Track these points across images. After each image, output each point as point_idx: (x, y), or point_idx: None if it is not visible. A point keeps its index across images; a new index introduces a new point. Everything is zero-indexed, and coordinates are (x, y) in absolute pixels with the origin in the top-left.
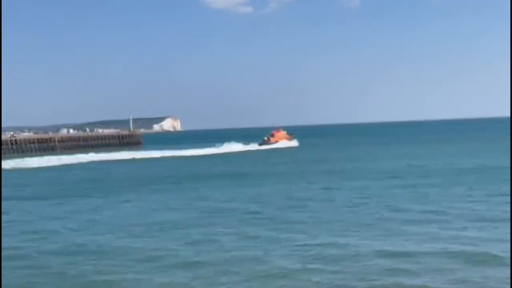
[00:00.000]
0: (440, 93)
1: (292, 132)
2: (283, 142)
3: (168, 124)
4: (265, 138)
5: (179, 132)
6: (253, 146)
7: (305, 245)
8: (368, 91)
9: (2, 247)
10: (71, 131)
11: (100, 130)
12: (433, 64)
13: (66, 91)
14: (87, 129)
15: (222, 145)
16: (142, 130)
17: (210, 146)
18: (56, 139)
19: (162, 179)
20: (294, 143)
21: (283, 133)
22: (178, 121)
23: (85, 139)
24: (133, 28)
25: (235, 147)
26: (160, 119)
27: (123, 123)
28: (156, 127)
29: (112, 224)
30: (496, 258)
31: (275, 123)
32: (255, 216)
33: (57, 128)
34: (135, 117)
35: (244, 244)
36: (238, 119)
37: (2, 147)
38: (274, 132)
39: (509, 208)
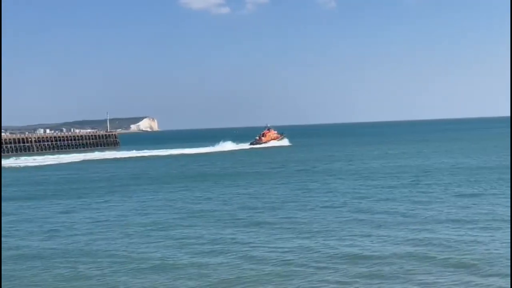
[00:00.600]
0: (413, 93)
1: (281, 131)
2: (274, 142)
3: (145, 124)
4: (257, 138)
5: (156, 132)
6: (245, 146)
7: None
8: (349, 91)
9: None
10: (48, 131)
11: (77, 130)
12: (411, 64)
13: (42, 91)
14: (64, 129)
15: (217, 144)
16: (119, 130)
17: (198, 146)
18: (33, 139)
19: (141, 179)
20: (285, 142)
21: (274, 132)
22: (156, 121)
23: (61, 139)
24: (110, 28)
25: (228, 146)
26: (137, 119)
27: (100, 123)
28: (133, 127)
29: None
30: (460, 262)
31: (267, 122)
32: (219, 218)
33: (33, 128)
34: (112, 117)
35: (215, 247)
36: (216, 120)
37: None
38: (265, 132)
39: (469, 210)
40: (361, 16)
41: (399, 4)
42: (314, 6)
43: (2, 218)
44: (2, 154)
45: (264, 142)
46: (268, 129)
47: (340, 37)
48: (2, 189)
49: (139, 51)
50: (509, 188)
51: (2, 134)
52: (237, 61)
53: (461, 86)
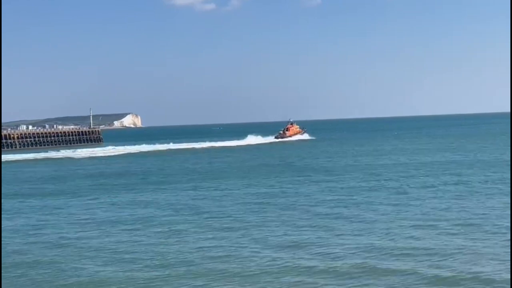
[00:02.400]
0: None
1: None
2: (297, 136)
3: (128, 121)
4: (281, 132)
5: (140, 128)
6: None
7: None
8: (329, 87)
9: None
10: (30, 127)
11: (60, 127)
12: (394, 61)
13: (24, 87)
14: (47, 126)
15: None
16: (102, 127)
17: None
18: (15, 136)
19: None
20: (306, 136)
21: (296, 127)
22: (139, 117)
23: (44, 135)
24: (93, 25)
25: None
26: (121, 116)
27: (83, 119)
28: (117, 124)
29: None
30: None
31: (288, 117)
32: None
33: (15, 125)
34: (95, 114)
35: (209, 244)
36: (199, 116)
37: None
38: (288, 126)
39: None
40: (345, 13)
41: (384, 2)
42: (299, 2)
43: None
44: None
45: (288, 136)
46: (291, 124)
47: (324, 33)
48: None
49: (123, 47)
50: None
51: None
52: (223, 57)
53: (451, 84)
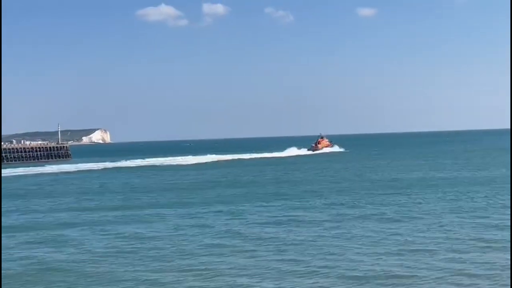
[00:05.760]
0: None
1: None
2: (327, 148)
3: (97, 136)
4: (313, 145)
5: (109, 144)
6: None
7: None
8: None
9: None
10: None
11: (28, 142)
12: (378, 76)
13: None
14: (14, 141)
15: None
16: (70, 142)
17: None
18: None
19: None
20: (336, 148)
21: (326, 140)
22: (108, 133)
23: (11, 151)
24: (64, 38)
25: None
26: (89, 131)
27: (51, 134)
28: (85, 139)
29: None
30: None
31: (321, 131)
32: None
33: None
34: (64, 129)
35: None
36: (168, 132)
37: None
38: (319, 140)
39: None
40: (319, 31)
41: (355, 17)
42: (271, 20)
43: None
44: None
45: (320, 149)
46: (322, 138)
47: (298, 51)
48: None
49: (93, 62)
50: None
51: None
52: (194, 74)
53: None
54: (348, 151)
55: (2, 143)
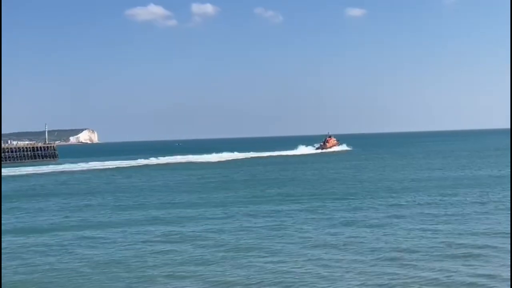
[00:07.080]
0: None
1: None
2: (335, 147)
3: (85, 136)
4: (321, 144)
5: (96, 144)
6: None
7: None
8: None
9: None
10: None
11: (14, 142)
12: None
13: None
14: None
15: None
16: (57, 142)
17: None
18: None
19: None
20: (344, 147)
21: (334, 139)
22: (96, 133)
23: None
24: (52, 37)
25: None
26: (77, 131)
27: (38, 134)
28: (73, 139)
29: None
30: None
31: (327, 130)
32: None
33: None
34: (51, 129)
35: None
36: (158, 132)
37: None
38: (328, 139)
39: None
40: (308, 30)
41: (343, 19)
42: (261, 20)
43: None
44: None
45: (329, 147)
46: (329, 137)
47: (285, 51)
48: None
49: (81, 62)
50: None
51: None
52: (183, 74)
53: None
54: (354, 149)
55: None
